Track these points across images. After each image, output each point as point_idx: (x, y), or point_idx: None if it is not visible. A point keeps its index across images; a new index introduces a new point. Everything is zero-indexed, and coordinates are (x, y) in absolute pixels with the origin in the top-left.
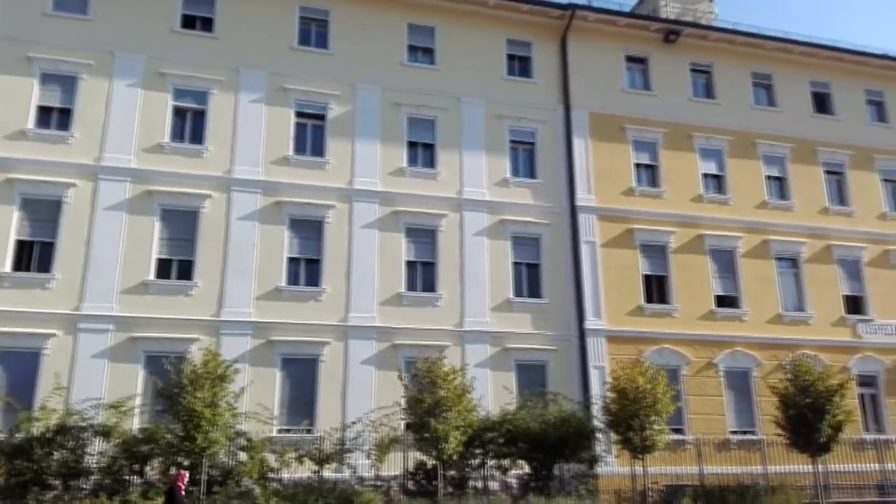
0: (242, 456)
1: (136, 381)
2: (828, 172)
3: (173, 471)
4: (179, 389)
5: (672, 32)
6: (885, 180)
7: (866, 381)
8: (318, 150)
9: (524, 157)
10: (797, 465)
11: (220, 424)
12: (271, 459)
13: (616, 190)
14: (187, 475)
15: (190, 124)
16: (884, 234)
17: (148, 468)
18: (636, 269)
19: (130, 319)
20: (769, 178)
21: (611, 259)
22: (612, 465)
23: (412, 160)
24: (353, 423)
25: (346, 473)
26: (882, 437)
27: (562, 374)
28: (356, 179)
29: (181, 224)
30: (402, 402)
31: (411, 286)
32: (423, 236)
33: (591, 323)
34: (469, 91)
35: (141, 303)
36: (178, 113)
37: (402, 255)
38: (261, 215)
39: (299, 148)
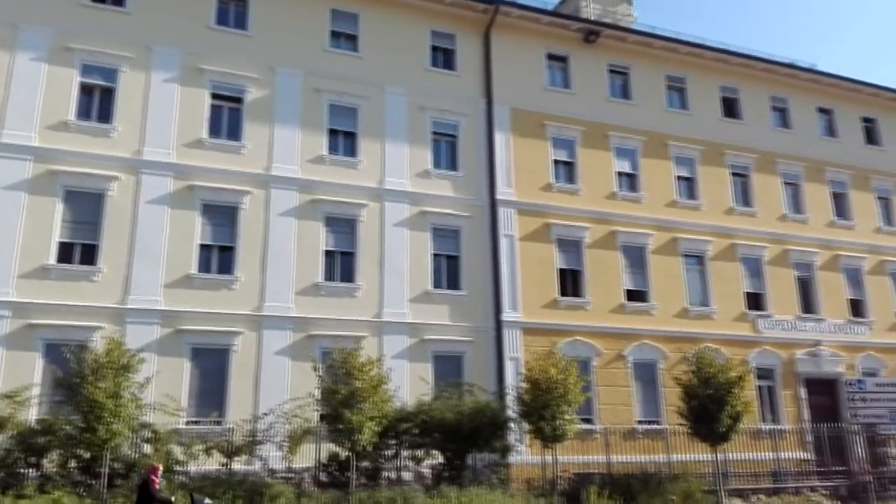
0: (147, 448)
1: (33, 370)
2: (734, 174)
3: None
4: (80, 379)
5: (592, 33)
6: (786, 183)
7: (764, 373)
8: (235, 133)
9: (446, 150)
10: (699, 454)
11: (123, 416)
12: (178, 452)
13: (535, 185)
14: (161, 468)
15: (98, 102)
16: (784, 235)
17: (45, 461)
18: (552, 262)
19: (28, 305)
20: (679, 178)
21: (528, 253)
22: (524, 454)
23: (333, 148)
24: (266, 414)
25: (257, 466)
26: (777, 427)
27: (478, 365)
28: (274, 165)
29: (86, 207)
30: (317, 393)
31: (330, 276)
32: (343, 226)
33: (507, 315)
34: (392, 80)
35: (40, 288)
36: (85, 90)
37: (320, 245)
38: (171, 200)
39: (214, 131)
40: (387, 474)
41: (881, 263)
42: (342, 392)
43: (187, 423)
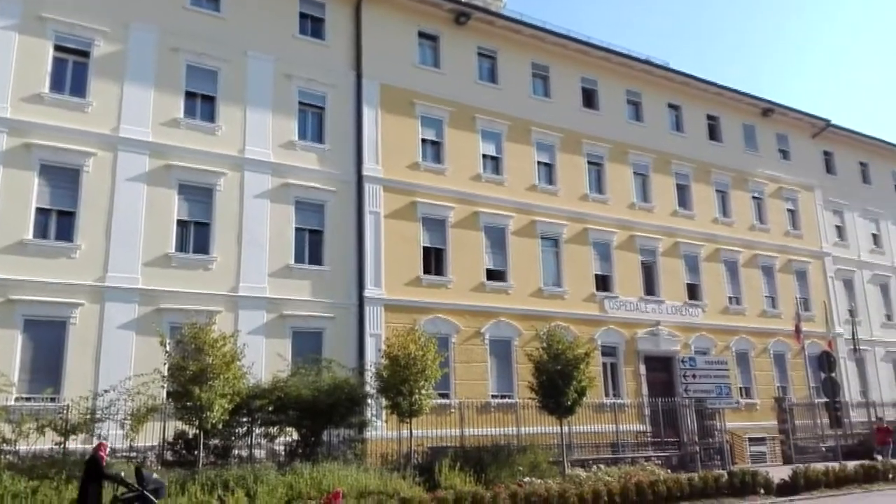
0: None
1: None
2: (590, 163)
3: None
4: None
5: (462, 14)
6: (636, 174)
7: (608, 351)
8: (80, 89)
9: (313, 121)
10: (547, 427)
11: None
12: (7, 430)
13: (402, 163)
14: (108, 446)
15: None
16: (631, 222)
17: None
18: (417, 241)
19: None
20: (540, 163)
21: (393, 230)
22: (381, 429)
23: (190, 112)
24: (107, 391)
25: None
26: (619, 401)
27: (339, 341)
28: (123, 127)
29: None
30: (165, 369)
31: (182, 247)
32: (199, 194)
33: (370, 292)
34: (257, 45)
35: None
36: None
37: (173, 213)
38: (4, 158)
39: (56, 86)
40: (238, 452)
41: (716, 251)
42: (191, 368)
43: (17, 399)
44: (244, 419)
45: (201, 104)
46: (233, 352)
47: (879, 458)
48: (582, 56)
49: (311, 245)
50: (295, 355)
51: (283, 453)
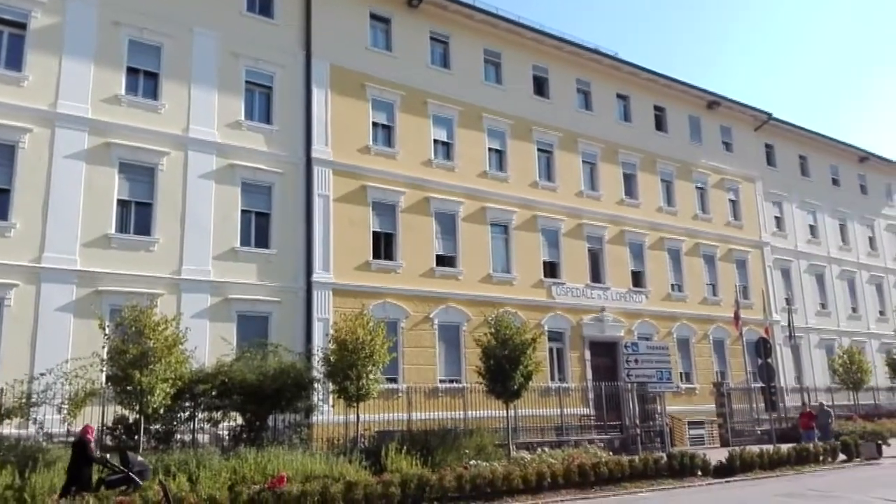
0: None
1: None
2: (540, 150)
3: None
4: None
5: None
6: (585, 162)
7: (555, 336)
8: (15, 63)
9: (260, 101)
10: (494, 410)
11: None
12: None
13: (353, 146)
14: (94, 429)
15: None
16: (579, 210)
17: None
18: (367, 225)
19: None
20: (491, 150)
21: (342, 214)
22: (328, 414)
23: (132, 88)
24: (43, 374)
25: (32, 429)
26: (564, 385)
27: (285, 325)
28: (61, 102)
29: None
30: (104, 353)
31: (123, 228)
32: (140, 174)
33: (318, 276)
34: (202, 21)
35: None
36: None
37: (113, 193)
38: None
39: None
40: (181, 437)
41: (661, 240)
42: (132, 352)
43: None
44: (187, 404)
45: (144, 81)
46: (175, 335)
47: (805, 443)
48: (534, 44)
49: (257, 228)
50: (240, 340)
51: (227, 438)
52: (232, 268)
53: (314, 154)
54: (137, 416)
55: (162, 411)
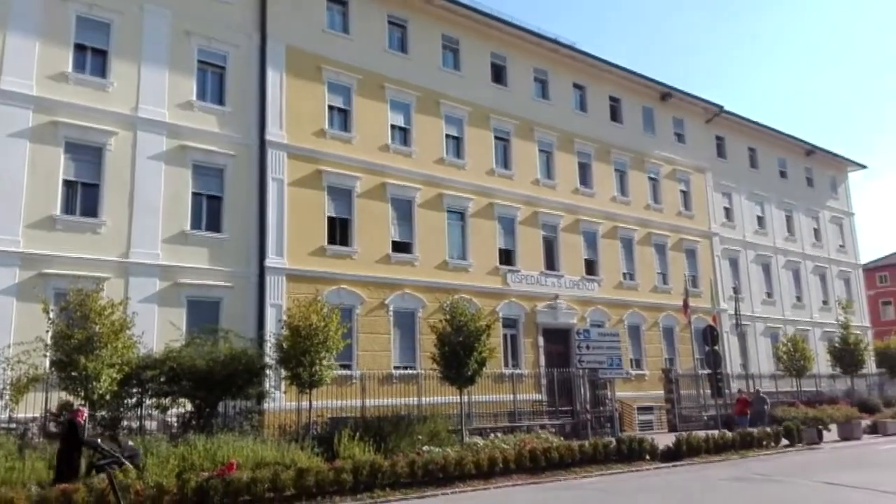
0: None
1: None
2: (497, 138)
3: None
4: None
5: None
6: (541, 151)
7: (509, 323)
8: None
9: (213, 82)
10: (448, 397)
11: None
12: None
13: (308, 130)
14: (85, 412)
15: None
16: (535, 198)
17: None
18: (322, 210)
19: None
20: (448, 136)
21: (297, 198)
22: (281, 400)
23: (79, 66)
24: None
25: None
26: (518, 371)
27: (237, 311)
28: (4, 79)
29: None
30: (48, 337)
31: (69, 209)
32: (88, 154)
33: (271, 261)
34: None
35: None
36: None
37: (59, 173)
38: None
39: None
40: (128, 424)
41: (614, 229)
42: (77, 337)
43: None
44: (134, 390)
45: (92, 58)
46: (122, 320)
47: (739, 428)
48: (492, 31)
49: (209, 211)
50: (190, 325)
51: (176, 425)
52: (182, 251)
53: (268, 137)
54: (83, 402)
55: (108, 398)
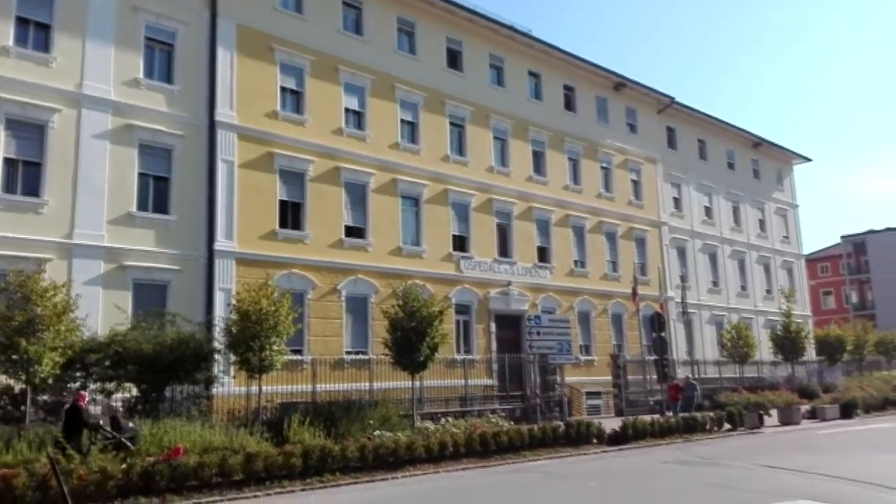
0: None
1: None
2: (452, 124)
3: None
4: None
5: None
6: (496, 138)
7: (462, 309)
8: None
9: (161, 59)
10: (400, 382)
11: None
12: None
13: (259, 111)
14: (87, 395)
15: None
16: (489, 185)
17: None
18: (273, 193)
19: None
20: (403, 121)
21: (248, 181)
22: (230, 385)
23: (21, 40)
24: None
25: None
26: (469, 357)
27: (185, 294)
28: None
29: None
30: None
31: (9, 188)
32: (29, 131)
33: (221, 244)
34: None
35: None
36: None
37: None
38: None
39: None
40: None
41: (566, 217)
42: (17, 319)
43: None
44: (78, 374)
45: (34, 32)
46: (65, 302)
47: (669, 413)
48: (448, 15)
49: (156, 192)
50: (136, 308)
51: (121, 410)
52: (128, 233)
53: (218, 117)
54: (24, 385)
55: (51, 381)
